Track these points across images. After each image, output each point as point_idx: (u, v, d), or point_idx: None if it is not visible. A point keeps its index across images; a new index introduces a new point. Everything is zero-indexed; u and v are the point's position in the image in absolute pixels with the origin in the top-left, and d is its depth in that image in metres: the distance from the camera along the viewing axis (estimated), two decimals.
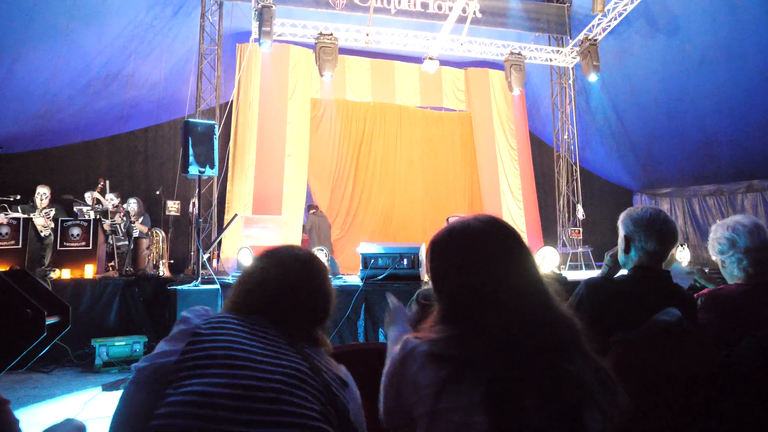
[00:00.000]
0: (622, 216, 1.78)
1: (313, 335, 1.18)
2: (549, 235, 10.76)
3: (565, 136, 10.81)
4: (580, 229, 10.26)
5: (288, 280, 1.20)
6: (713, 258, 1.96)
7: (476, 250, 1.00)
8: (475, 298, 0.97)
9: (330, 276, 1.26)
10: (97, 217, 6.04)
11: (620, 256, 1.79)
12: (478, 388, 0.86)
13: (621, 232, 1.77)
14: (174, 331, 1.07)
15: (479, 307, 0.95)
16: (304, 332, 1.15)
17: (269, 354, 1.01)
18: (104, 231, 5.89)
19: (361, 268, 4.44)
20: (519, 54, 9.88)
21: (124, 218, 6.64)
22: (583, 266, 9.67)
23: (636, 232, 1.70)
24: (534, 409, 0.85)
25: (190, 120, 4.96)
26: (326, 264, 4.28)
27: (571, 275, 6.87)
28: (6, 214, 5.38)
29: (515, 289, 0.96)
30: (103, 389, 3.79)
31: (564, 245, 10.27)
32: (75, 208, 6.45)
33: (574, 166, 10.75)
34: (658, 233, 1.67)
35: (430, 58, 9.01)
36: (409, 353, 0.95)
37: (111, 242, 6.06)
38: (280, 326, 1.11)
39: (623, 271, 1.85)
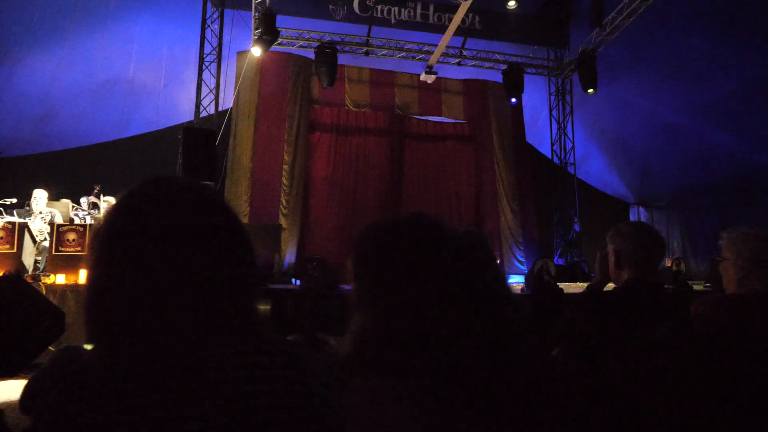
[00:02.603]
0: (609, 233, 1.86)
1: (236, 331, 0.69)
2: (545, 246, 10.77)
3: (563, 148, 10.86)
4: (577, 240, 10.29)
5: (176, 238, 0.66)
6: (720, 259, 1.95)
7: (429, 253, 0.85)
8: (424, 312, 0.80)
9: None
10: (93, 222, 6.03)
11: (612, 271, 1.83)
12: (423, 412, 0.75)
13: (610, 248, 1.83)
14: None
15: (427, 323, 0.79)
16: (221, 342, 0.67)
17: None
18: None
19: None
20: (518, 66, 9.94)
21: None
22: (579, 278, 9.67)
23: (624, 244, 1.77)
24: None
25: (189, 127, 4.97)
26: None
27: (567, 287, 6.88)
28: (1, 218, 5.35)
29: (470, 302, 0.82)
30: None
31: (561, 256, 10.28)
32: (71, 213, 6.43)
33: (571, 178, 10.79)
34: (645, 243, 1.74)
35: (429, 69, 9.06)
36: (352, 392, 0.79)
37: None
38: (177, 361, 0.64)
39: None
